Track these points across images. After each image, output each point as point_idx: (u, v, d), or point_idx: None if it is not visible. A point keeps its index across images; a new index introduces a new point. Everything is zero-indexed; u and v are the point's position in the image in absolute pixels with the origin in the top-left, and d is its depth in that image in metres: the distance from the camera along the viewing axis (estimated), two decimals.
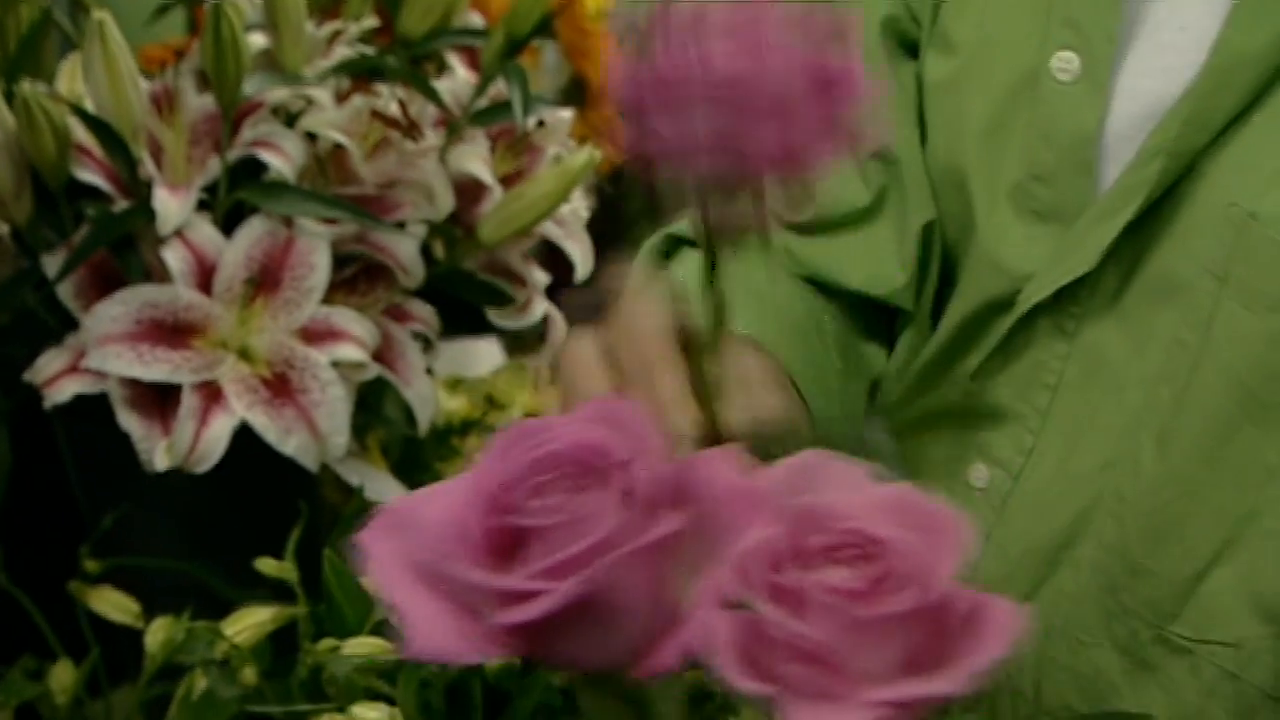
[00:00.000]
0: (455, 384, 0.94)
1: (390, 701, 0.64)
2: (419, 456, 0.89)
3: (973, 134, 0.62)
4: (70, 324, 0.73)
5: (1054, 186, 0.60)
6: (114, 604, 0.74)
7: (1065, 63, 0.59)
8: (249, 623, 0.67)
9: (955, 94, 0.64)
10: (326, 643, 0.66)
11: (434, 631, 0.33)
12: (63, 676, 0.70)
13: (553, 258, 0.87)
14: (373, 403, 0.80)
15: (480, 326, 0.89)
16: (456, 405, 0.92)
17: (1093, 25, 0.59)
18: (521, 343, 0.98)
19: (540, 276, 0.86)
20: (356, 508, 0.74)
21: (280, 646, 0.69)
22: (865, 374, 0.67)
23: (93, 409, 0.73)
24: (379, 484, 0.78)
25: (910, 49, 0.67)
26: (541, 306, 0.86)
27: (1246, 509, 0.54)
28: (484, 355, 1.06)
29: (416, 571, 0.33)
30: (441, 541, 0.33)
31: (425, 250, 0.81)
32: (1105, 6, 0.59)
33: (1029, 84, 0.60)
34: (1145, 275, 0.58)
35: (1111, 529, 0.58)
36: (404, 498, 0.36)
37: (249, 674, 0.66)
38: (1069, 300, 0.59)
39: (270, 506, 0.78)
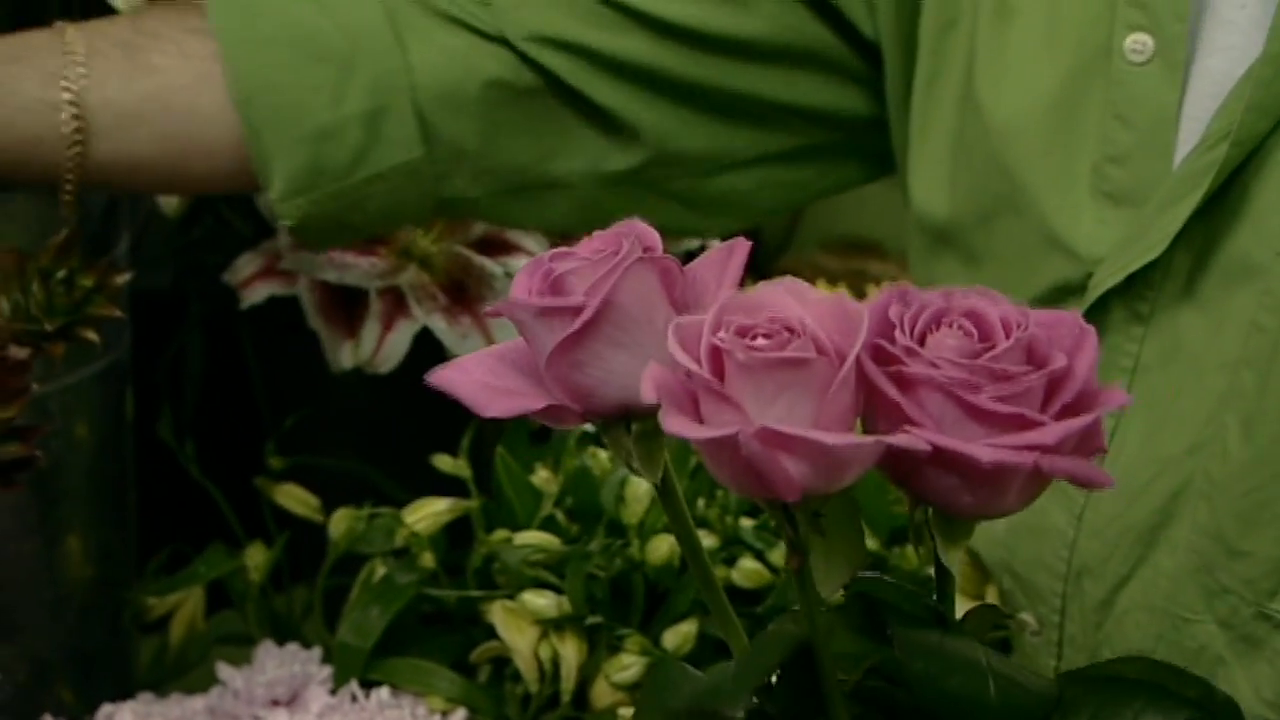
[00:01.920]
0: None
1: (557, 591, 0.67)
2: None
3: (1040, 111, 0.62)
4: (264, 232, 0.78)
5: (1130, 168, 0.60)
6: (296, 499, 0.78)
7: (1138, 44, 0.59)
8: (427, 512, 0.71)
9: (1019, 69, 0.63)
10: (499, 533, 0.70)
11: (485, 397, 0.38)
12: (256, 556, 0.74)
13: None
14: None
15: None
16: None
17: (1162, 5, 0.58)
18: None
19: None
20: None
21: (453, 541, 0.73)
22: None
23: (279, 316, 0.78)
24: None
25: None
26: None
27: None
28: None
29: (473, 359, 0.39)
30: (516, 308, 0.38)
31: None
32: None
33: (1100, 64, 0.60)
34: (1218, 259, 0.57)
35: (1204, 511, 0.58)
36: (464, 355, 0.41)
37: (427, 559, 0.70)
38: (1141, 285, 0.59)
39: (440, 414, 0.82)
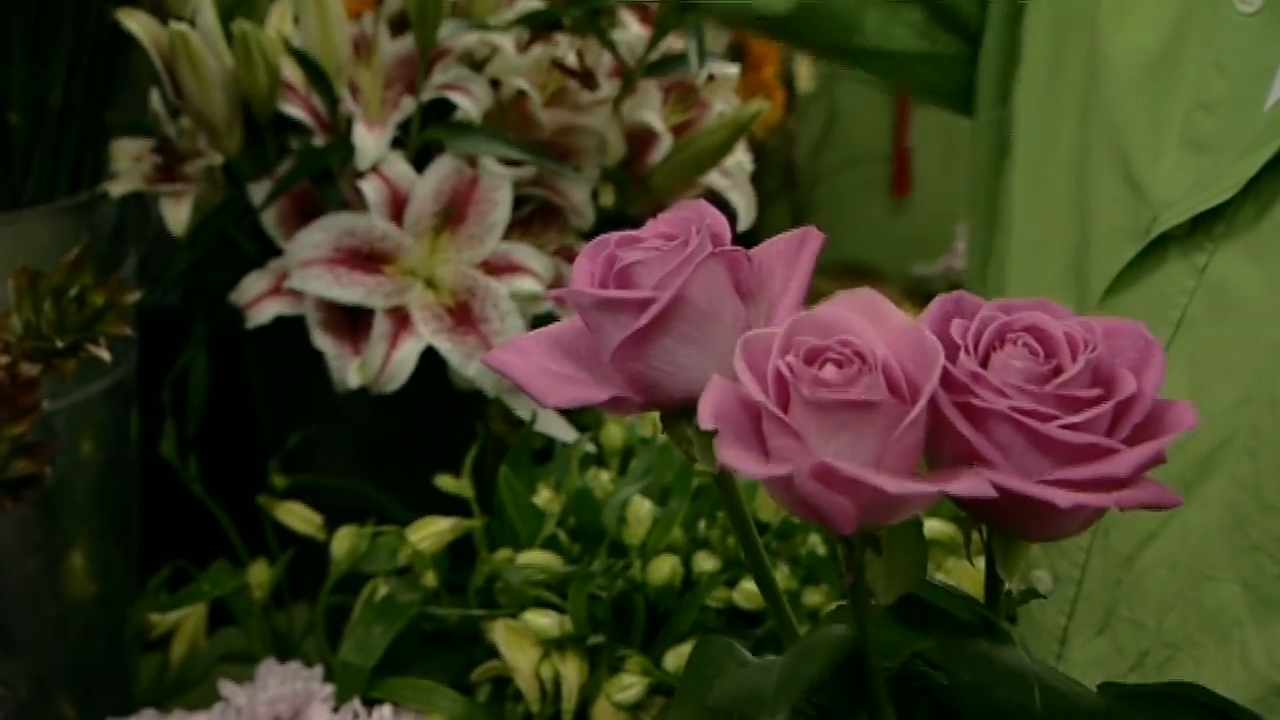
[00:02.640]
0: None
1: (559, 611, 0.67)
2: None
3: (1146, 57, 0.63)
4: (269, 253, 0.78)
5: (1219, 116, 0.60)
6: (299, 517, 0.79)
7: None
8: (430, 531, 0.71)
9: (1135, 14, 0.64)
10: (502, 553, 0.70)
11: (558, 387, 0.37)
12: (259, 573, 0.74)
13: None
14: None
15: None
16: None
17: None
18: None
19: None
20: (527, 434, 0.78)
21: (455, 561, 0.73)
22: None
23: (283, 335, 0.78)
24: (545, 418, 0.82)
25: None
26: None
27: None
28: None
29: (532, 344, 0.38)
30: (553, 336, 0.38)
31: (594, 198, 0.84)
32: None
33: (1207, 13, 0.61)
34: None
35: (1247, 465, 0.58)
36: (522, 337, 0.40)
37: (430, 578, 0.70)
38: (1203, 233, 0.59)
39: (442, 434, 0.82)
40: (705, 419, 0.34)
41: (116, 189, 0.76)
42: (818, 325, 0.35)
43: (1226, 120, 0.60)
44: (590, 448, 0.79)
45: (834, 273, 1.31)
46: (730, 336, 0.36)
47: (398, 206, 0.76)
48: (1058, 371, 0.35)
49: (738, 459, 0.33)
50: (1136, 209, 0.62)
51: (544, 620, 0.67)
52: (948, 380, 0.35)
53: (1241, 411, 0.59)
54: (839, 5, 0.74)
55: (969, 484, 0.34)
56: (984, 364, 0.35)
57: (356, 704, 0.66)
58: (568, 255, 0.83)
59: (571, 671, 0.66)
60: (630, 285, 0.37)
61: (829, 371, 0.34)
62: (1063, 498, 0.34)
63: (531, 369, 0.37)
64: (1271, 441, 0.57)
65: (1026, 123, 0.69)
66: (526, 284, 0.76)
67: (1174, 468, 0.61)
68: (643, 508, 0.68)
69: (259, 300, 0.76)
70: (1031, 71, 0.69)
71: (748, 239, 1.17)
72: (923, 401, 0.34)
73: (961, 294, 0.37)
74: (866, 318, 0.35)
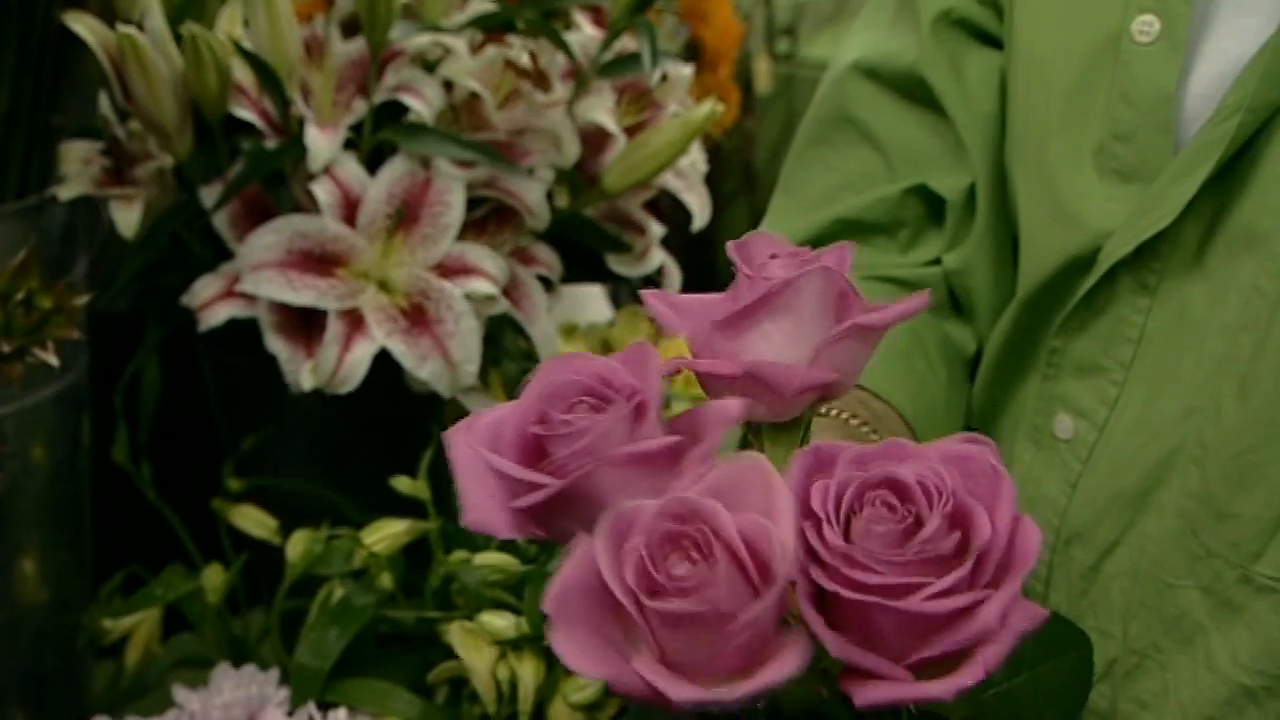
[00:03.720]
0: (570, 330, 0.97)
1: (516, 612, 0.68)
2: None
3: (1056, 97, 0.64)
4: (221, 256, 0.78)
5: (1135, 145, 0.62)
6: (254, 520, 0.78)
7: (1145, 25, 0.61)
8: (386, 533, 0.71)
9: (1040, 58, 0.66)
10: (458, 554, 0.70)
11: (481, 509, 0.40)
12: (214, 577, 0.74)
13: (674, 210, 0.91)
14: (496, 339, 0.84)
15: (598, 274, 0.93)
16: (572, 350, 0.96)
17: None
18: (635, 289, 1.02)
19: (657, 227, 0.89)
20: None
21: (412, 562, 0.73)
22: (963, 362, 0.71)
23: (237, 338, 0.78)
24: None
25: (977, 34, 0.70)
26: (659, 256, 0.89)
27: None
28: (593, 304, 1.10)
29: (479, 461, 0.40)
30: (494, 440, 0.40)
31: (548, 198, 0.85)
32: None
33: (1111, 47, 0.62)
34: (1226, 228, 0.59)
35: (1194, 474, 0.59)
36: (488, 409, 0.42)
37: (386, 580, 0.70)
38: (1150, 256, 0.61)
39: (398, 435, 0.82)
40: (549, 604, 0.37)
41: (65, 192, 0.75)
42: (680, 511, 0.37)
43: (1143, 149, 0.62)
44: None
45: None
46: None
47: (350, 208, 0.75)
48: (919, 524, 0.37)
49: (567, 646, 0.36)
50: (1076, 240, 0.63)
51: (500, 621, 0.67)
52: (818, 558, 0.37)
53: (1188, 422, 0.60)
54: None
55: (776, 669, 0.36)
56: (848, 529, 0.37)
57: (312, 707, 0.66)
58: (524, 257, 0.83)
59: (528, 672, 0.66)
60: (546, 453, 0.40)
61: (678, 567, 0.37)
62: (942, 689, 0.36)
63: (476, 473, 0.40)
64: (1217, 451, 0.59)
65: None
66: (481, 285, 0.76)
67: (1130, 478, 0.62)
68: None
69: (211, 303, 0.75)
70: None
71: (705, 239, 1.17)
72: (754, 610, 0.36)
73: (819, 446, 0.39)
74: (748, 490, 0.37)
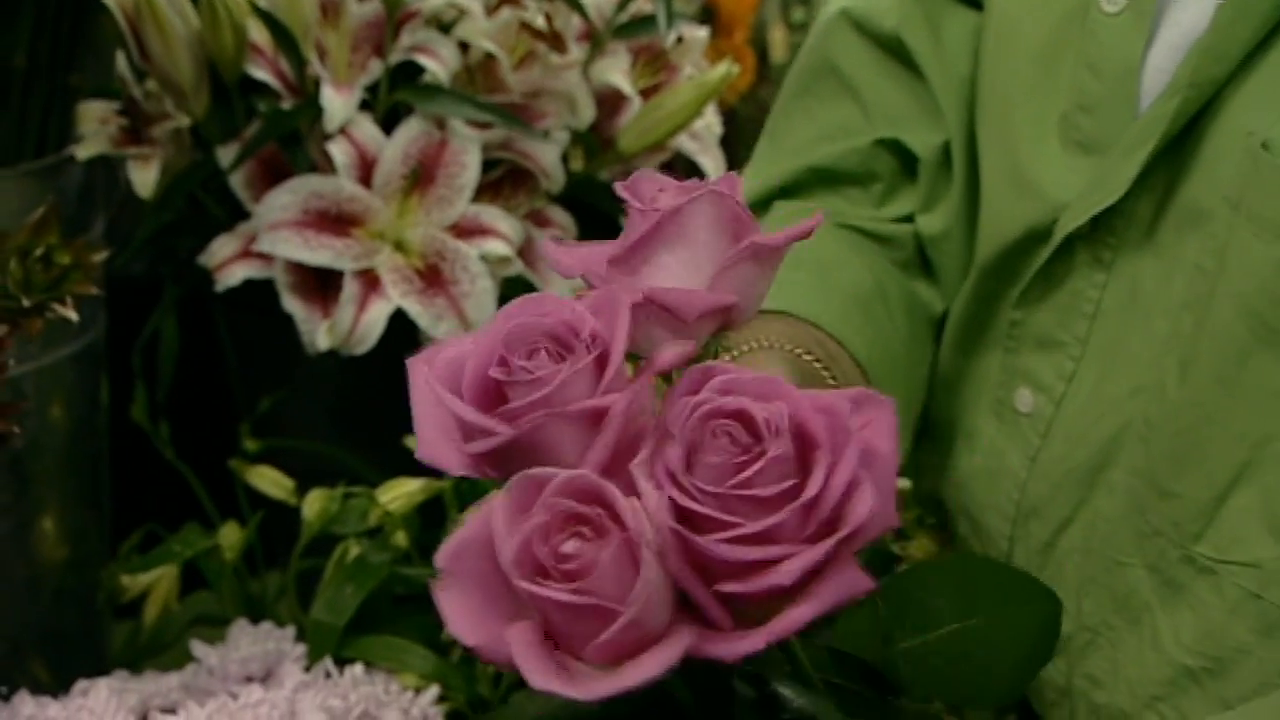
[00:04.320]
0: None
1: None
2: None
3: (1024, 63, 0.64)
4: (237, 216, 0.78)
5: (1098, 117, 0.61)
6: (271, 480, 0.79)
7: None
8: (400, 492, 0.71)
9: (1010, 23, 0.65)
10: (472, 511, 0.71)
11: (435, 443, 0.40)
12: (230, 535, 0.75)
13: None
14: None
15: (612, 236, 0.93)
16: None
17: None
18: None
19: None
20: None
21: (426, 521, 0.73)
22: (928, 320, 0.70)
23: (253, 299, 0.78)
24: None
25: None
26: None
27: (1262, 433, 0.55)
28: None
29: (435, 398, 0.40)
30: (450, 378, 0.40)
31: (563, 160, 0.85)
32: None
33: (1079, 15, 0.62)
34: (1175, 205, 0.58)
35: (1140, 453, 0.59)
36: (454, 339, 0.42)
37: (400, 539, 0.70)
38: (1105, 230, 0.60)
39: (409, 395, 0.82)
40: (442, 557, 0.37)
41: (83, 152, 0.75)
42: (581, 489, 0.37)
43: (1105, 120, 0.61)
44: None
45: None
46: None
47: (366, 169, 0.76)
48: (750, 462, 0.36)
49: (451, 605, 0.37)
50: (1035, 210, 0.63)
51: None
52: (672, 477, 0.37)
53: (1134, 401, 0.60)
54: None
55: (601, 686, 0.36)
56: (690, 453, 0.37)
57: (328, 663, 0.66)
58: (538, 219, 0.84)
59: None
60: (502, 398, 0.39)
61: (567, 545, 0.36)
62: (725, 648, 0.36)
63: (432, 408, 0.40)
64: (1160, 430, 0.58)
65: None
66: (496, 246, 0.77)
67: (1081, 455, 0.62)
68: None
69: (228, 263, 0.76)
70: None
71: None
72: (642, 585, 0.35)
73: (706, 366, 0.38)
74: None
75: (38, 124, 0.73)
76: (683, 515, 0.36)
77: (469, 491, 0.73)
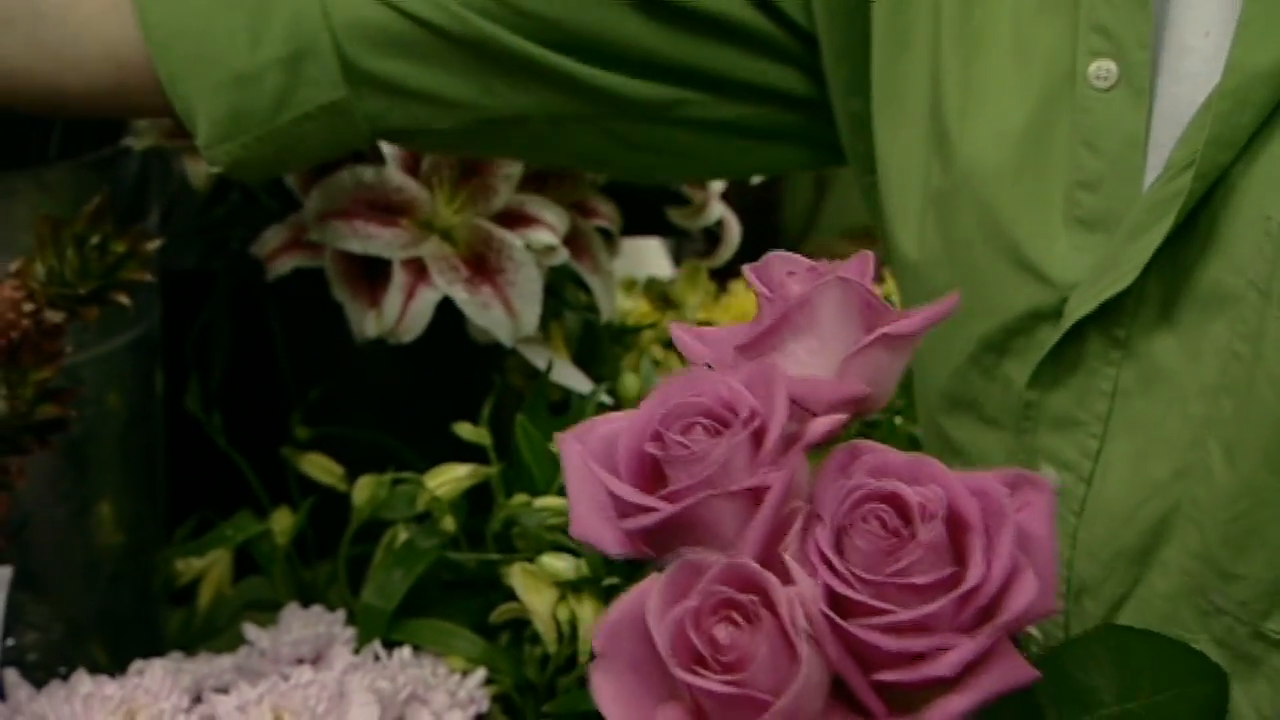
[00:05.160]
0: (630, 285, 0.98)
1: (575, 554, 0.69)
2: (597, 349, 0.94)
3: (1011, 139, 0.61)
4: (288, 207, 0.80)
5: (1102, 194, 0.59)
6: (321, 467, 0.80)
7: (1102, 70, 0.58)
8: (448, 478, 0.72)
9: (988, 98, 0.62)
10: (519, 498, 0.72)
11: (589, 520, 0.40)
12: (282, 520, 0.76)
13: None
14: (556, 292, 0.86)
15: (657, 227, 0.94)
16: (632, 305, 0.97)
17: (1124, 31, 0.58)
18: (696, 247, 1.02)
19: (717, 181, 0.90)
20: (543, 385, 0.79)
21: (474, 507, 0.74)
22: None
23: (304, 290, 0.80)
24: (562, 370, 0.83)
25: None
26: (718, 209, 0.90)
27: None
28: (654, 258, 1.11)
29: (590, 474, 0.40)
30: (604, 456, 0.40)
31: None
32: (1134, 10, 0.58)
33: (1065, 90, 0.60)
34: (1192, 287, 0.57)
35: (1194, 535, 0.58)
36: (605, 417, 0.41)
37: (448, 524, 0.71)
38: (1116, 312, 0.58)
39: (460, 384, 0.84)
40: (599, 640, 0.36)
41: (138, 144, 0.77)
42: (740, 576, 0.36)
43: (1110, 197, 0.59)
44: (606, 398, 0.80)
45: (858, 236, 1.32)
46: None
47: (414, 159, 0.77)
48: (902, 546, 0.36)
49: (604, 686, 0.36)
50: (1040, 292, 0.61)
51: (560, 563, 0.68)
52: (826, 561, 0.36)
53: (1179, 484, 0.58)
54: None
55: None
56: (839, 536, 0.37)
57: (377, 646, 0.67)
58: (584, 209, 0.84)
59: (588, 613, 0.67)
60: (661, 475, 0.39)
61: (721, 632, 0.36)
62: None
63: (586, 485, 0.40)
64: (1213, 514, 0.57)
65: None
66: (541, 236, 0.77)
67: (1128, 537, 0.61)
68: None
69: (279, 253, 0.77)
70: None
71: (768, 201, 1.17)
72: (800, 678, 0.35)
73: (854, 444, 0.38)
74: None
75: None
76: (835, 601, 0.36)
77: (515, 478, 0.74)
